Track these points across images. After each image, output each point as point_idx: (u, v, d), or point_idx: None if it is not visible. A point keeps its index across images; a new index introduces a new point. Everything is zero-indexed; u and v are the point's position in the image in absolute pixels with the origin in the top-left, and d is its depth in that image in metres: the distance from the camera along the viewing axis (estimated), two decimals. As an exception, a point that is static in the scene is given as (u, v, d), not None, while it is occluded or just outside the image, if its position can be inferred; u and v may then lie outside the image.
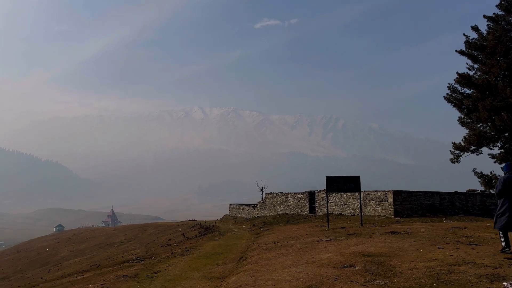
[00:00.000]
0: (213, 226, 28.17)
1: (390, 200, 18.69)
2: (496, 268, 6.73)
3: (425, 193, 19.04)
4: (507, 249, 8.42)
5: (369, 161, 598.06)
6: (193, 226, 34.64)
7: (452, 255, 8.06)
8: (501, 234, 8.68)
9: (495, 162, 32.26)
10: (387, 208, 18.94)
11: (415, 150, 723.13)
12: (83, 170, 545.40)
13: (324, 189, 26.21)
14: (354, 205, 21.72)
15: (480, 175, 32.30)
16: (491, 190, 28.33)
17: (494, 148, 32.40)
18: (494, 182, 31.32)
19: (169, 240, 30.68)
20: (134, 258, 19.86)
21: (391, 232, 12.13)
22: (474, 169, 32.59)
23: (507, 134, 29.11)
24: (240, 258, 11.21)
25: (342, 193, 21.46)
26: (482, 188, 32.17)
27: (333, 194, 23.90)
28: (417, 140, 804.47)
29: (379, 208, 19.63)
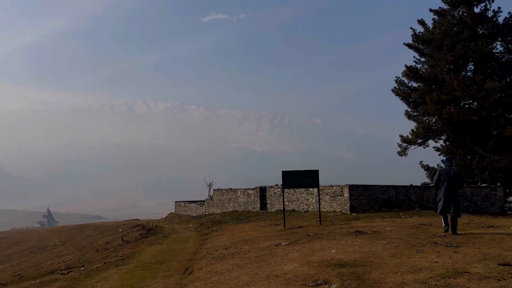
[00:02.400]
0: (156, 227, 25.93)
1: (346, 195, 17.68)
2: (500, 280, 5.54)
3: (381, 187, 18.26)
4: (447, 227, 10.32)
5: (314, 156, 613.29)
6: (134, 227, 32.03)
7: (437, 262, 6.84)
8: (441, 217, 10.59)
9: (439, 154, 32.76)
10: (343, 204, 17.93)
11: (356, 145, 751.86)
12: (17, 167, 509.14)
13: (276, 185, 24.92)
14: (308, 201, 20.57)
15: (427, 168, 32.69)
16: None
17: (439, 141, 32.92)
18: (440, 174, 31.80)
19: (107, 243, 28.01)
20: (62, 267, 17.31)
21: (356, 232, 10.89)
22: (420, 161, 32.89)
23: (453, 127, 29.54)
24: (186, 270, 9.40)
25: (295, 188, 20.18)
26: (428, 180, 32.61)
27: (286, 190, 22.65)
28: (358, 135, 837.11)
29: (334, 204, 18.59)
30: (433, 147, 32.42)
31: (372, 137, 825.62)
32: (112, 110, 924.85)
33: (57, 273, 16.69)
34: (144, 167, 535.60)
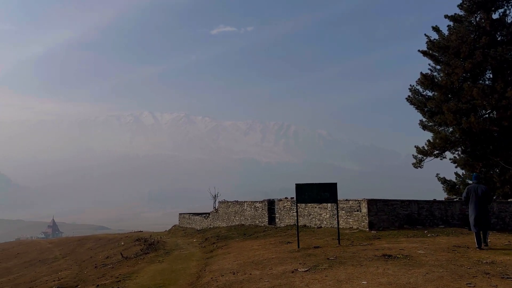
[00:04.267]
0: (158, 241, 24.50)
1: (364, 210, 16.19)
2: None
3: (402, 201, 16.74)
4: (479, 247, 10.51)
5: (320, 167, 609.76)
6: (136, 240, 30.63)
7: (502, 302, 5.39)
8: (475, 235, 10.84)
9: (456, 167, 31.15)
10: (360, 220, 16.42)
11: (362, 156, 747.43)
12: (23, 177, 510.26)
13: (286, 198, 23.44)
14: (321, 216, 19.08)
15: (443, 181, 31.07)
16: (457, 197, 26.96)
17: (456, 152, 31.35)
18: (458, 187, 30.15)
19: (107, 258, 26.64)
20: (55, 287, 15.93)
21: (384, 256, 9.42)
22: (437, 174, 31.28)
23: (472, 138, 28.00)
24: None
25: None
26: (446, 194, 30.94)
27: (295, 203, 21.18)
28: (364, 147, 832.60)
29: (350, 220, 17.09)
30: (449, 159, 30.88)
31: (378, 148, 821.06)
32: (119, 121, 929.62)
33: (49, 294, 15.37)
34: (149, 177, 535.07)
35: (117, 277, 13.40)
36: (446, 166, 31.53)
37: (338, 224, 12.95)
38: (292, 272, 8.53)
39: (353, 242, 12.86)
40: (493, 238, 13.40)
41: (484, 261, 8.30)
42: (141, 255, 20.33)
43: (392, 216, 16.33)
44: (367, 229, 15.78)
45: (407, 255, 9.29)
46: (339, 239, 12.51)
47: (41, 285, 20.11)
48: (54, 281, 20.53)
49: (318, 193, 12.23)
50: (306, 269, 8.59)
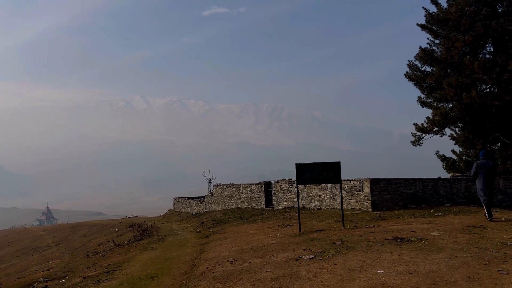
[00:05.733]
0: (152, 227, 23.68)
1: (367, 190, 15.38)
2: None
3: (406, 180, 15.94)
4: (490, 218, 11.25)
5: (315, 148, 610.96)
6: (130, 226, 29.87)
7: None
8: (485, 207, 11.68)
9: (455, 144, 30.44)
10: (363, 200, 15.63)
11: (356, 137, 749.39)
12: (16, 165, 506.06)
13: (283, 179, 22.62)
14: (320, 197, 18.28)
15: (443, 158, 30.40)
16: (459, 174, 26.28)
17: (455, 129, 30.59)
18: (458, 164, 29.51)
19: (100, 245, 25.91)
20: (41, 278, 15.07)
21: (395, 239, 8.61)
22: (437, 151, 30.60)
23: (473, 113, 27.21)
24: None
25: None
26: (446, 171, 30.31)
27: (294, 185, 20.36)
28: (358, 127, 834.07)
29: (352, 200, 16.30)
30: (449, 136, 30.18)
31: (372, 128, 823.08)
32: (111, 106, 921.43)
33: (36, 285, 14.58)
34: (144, 162, 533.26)
35: (106, 267, 12.56)
36: (442, 144, 30.84)
37: (342, 206, 12.10)
38: (296, 259, 7.69)
39: (357, 224, 12.07)
40: (504, 216, 12.69)
41: (509, 243, 7.49)
42: (134, 242, 19.52)
43: (396, 196, 15.55)
44: (370, 210, 15.01)
45: (421, 238, 8.48)
46: (343, 222, 11.68)
47: (30, 276, 19.29)
48: (43, 271, 19.74)
49: (321, 173, 11.34)
50: (311, 256, 7.75)
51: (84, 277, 11.39)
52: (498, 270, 5.72)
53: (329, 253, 7.88)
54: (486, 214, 11.42)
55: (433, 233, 8.94)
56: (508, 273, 5.58)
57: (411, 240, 8.34)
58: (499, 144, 27.22)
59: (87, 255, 21.57)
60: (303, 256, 7.86)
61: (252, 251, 9.62)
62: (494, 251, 6.89)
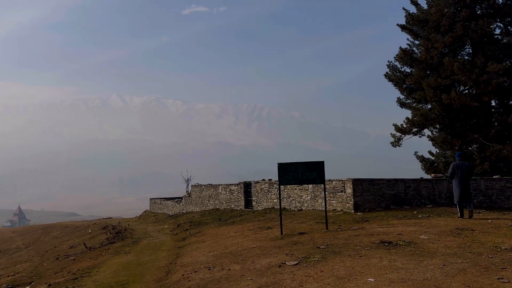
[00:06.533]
0: (126, 229, 22.75)
1: (349, 191, 14.98)
2: None
3: (388, 180, 15.63)
4: (461, 217, 12.00)
5: (293, 149, 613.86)
6: (104, 228, 28.80)
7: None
8: (458, 206, 12.35)
9: (434, 145, 30.60)
10: (345, 201, 15.24)
11: (333, 137, 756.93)
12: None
13: (263, 179, 22.04)
14: (301, 198, 17.81)
15: (422, 159, 30.51)
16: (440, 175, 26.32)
17: (434, 130, 30.76)
18: (436, 165, 29.63)
19: (71, 247, 24.84)
20: (5, 285, 14.05)
21: (383, 242, 8.15)
22: (415, 152, 30.71)
23: (452, 114, 27.35)
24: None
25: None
26: (424, 172, 30.40)
27: (274, 185, 19.85)
28: (335, 128, 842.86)
29: (333, 201, 15.89)
30: (427, 137, 30.33)
31: (348, 129, 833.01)
32: (86, 104, 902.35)
33: (-3, 293, 13.59)
34: (120, 162, 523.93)
35: (75, 273, 11.70)
36: (418, 146, 30.98)
37: (325, 207, 11.62)
38: (279, 266, 7.13)
39: (340, 226, 11.62)
40: (489, 217, 12.50)
41: (503, 247, 7.13)
42: (107, 245, 18.60)
43: (378, 197, 15.22)
44: (353, 211, 14.62)
45: (409, 242, 8.05)
46: (326, 224, 11.19)
47: (-7, 282, 18.13)
48: (8, 276, 18.61)
49: (304, 173, 10.81)
50: (295, 262, 7.20)
51: (50, 284, 10.52)
52: (498, 278, 5.30)
53: (314, 259, 7.35)
54: (458, 213, 12.18)
55: (422, 236, 8.54)
56: (509, 282, 5.16)
57: (400, 244, 7.90)
58: (477, 145, 27.45)
59: (57, 258, 20.55)
60: (286, 262, 7.30)
61: (231, 256, 9.01)
62: (490, 256, 6.50)
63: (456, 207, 12.57)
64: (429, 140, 30.46)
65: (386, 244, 7.96)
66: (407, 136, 29.63)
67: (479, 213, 14.01)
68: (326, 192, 16.10)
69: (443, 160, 28.81)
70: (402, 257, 6.79)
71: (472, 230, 9.27)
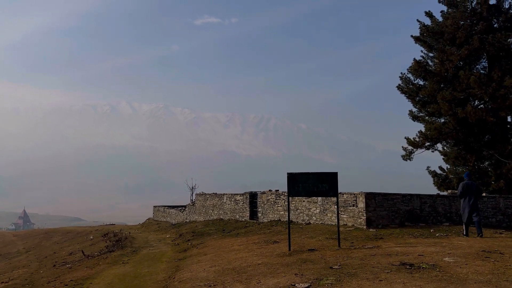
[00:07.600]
0: (127, 237, 22.01)
1: (361, 205, 14.17)
2: None
3: (404, 195, 14.80)
4: (467, 236, 12.05)
5: (299, 160, 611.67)
6: (105, 235, 28.06)
7: None
8: (464, 226, 12.44)
9: (446, 160, 29.68)
10: (357, 216, 14.41)
11: (339, 150, 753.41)
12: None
13: (270, 190, 21.27)
14: (310, 211, 17.00)
15: (434, 174, 29.54)
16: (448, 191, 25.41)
17: (447, 144, 29.88)
18: (448, 181, 28.65)
19: (71, 254, 24.19)
20: (-4, 294, 13.40)
21: (403, 264, 7.35)
22: (428, 167, 29.78)
23: (466, 129, 26.48)
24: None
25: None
26: (436, 188, 29.37)
27: (281, 196, 19.06)
28: (341, 140, 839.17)
29: (344, 216, 15.06)
30: (440, 151, 29.44)
31: (355, 142, 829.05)
32: (95, 110, 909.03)
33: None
34: (126, 168, 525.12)
35: (67, 284, 11.00)
36: (427, 161, 30.09)
37: (338, 222, 10.80)
38: (288, 288, 6.35)
39: (353, 243, 10.81)
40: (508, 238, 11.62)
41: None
42: (105, 253, 17.89)
43: (392, 212, 14.38)
44: (365, 227, 13.79)
45: (433, 265, 7.24)
46: (339, 240, 10.37)
47: (-13, 288, 17.49)
48: (2, 282, 17.97)
49: (315, 184, 10.05)
50: (306, 285, 6.42)
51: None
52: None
53: (328, 281, 6.56)
54: (464, 232, 12.30)
55: (446, 259, 7.72)
56: None
57: (423, 267, 7.09)
58: (492, 161, 26.50)
59: (54, 265, 19.93)
60: (296, 284, 6.52)
61: (234, 273, 8.24)
62: (532, 287, 5.69)
63: (463, 226, 12.51)
64: (441, 155, 29.59)
65: (408, 267, 7.15)
66: (420, 150, 28.72)
67: (501, 233, 13.12)
68: (336, 206, 15.31)
69: (457, 176, 27.86)
70: (429, 284, 5.98)
71: (501, 253, 8.43)
